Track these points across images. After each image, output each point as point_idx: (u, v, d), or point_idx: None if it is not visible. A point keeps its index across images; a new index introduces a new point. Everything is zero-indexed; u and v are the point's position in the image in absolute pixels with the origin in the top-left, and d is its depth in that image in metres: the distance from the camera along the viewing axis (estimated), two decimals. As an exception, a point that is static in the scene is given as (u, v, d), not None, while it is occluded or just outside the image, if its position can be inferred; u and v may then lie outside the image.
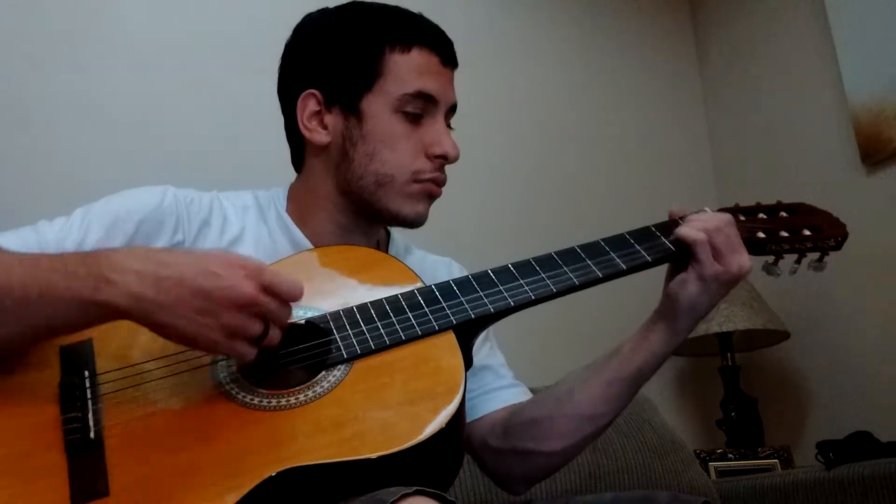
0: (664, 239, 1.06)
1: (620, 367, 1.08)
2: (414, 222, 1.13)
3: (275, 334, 0.87)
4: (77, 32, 2.01)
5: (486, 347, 1.21)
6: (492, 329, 1.11)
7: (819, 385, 2.45)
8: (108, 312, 0.84)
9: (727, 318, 2.32)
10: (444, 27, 1.16)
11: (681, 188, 2.75)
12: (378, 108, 1.10)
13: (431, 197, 1.13)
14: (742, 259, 1.03)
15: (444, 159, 1.12)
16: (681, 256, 1.05)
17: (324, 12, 1.17)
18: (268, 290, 0.84)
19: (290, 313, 0.89)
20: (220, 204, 1.14)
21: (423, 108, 1.11)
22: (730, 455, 2.29)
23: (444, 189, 1.15)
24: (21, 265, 0.87)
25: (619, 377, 1.08)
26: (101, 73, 2.01)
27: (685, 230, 1.04)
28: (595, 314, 2.13)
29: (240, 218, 1.14)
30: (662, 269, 1.08)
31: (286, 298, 0.86)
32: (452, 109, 1.15)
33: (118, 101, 2.00)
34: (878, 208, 2.27)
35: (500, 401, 1.18)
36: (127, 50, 2.05)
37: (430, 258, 1.27)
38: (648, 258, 1.05)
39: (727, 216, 1.06)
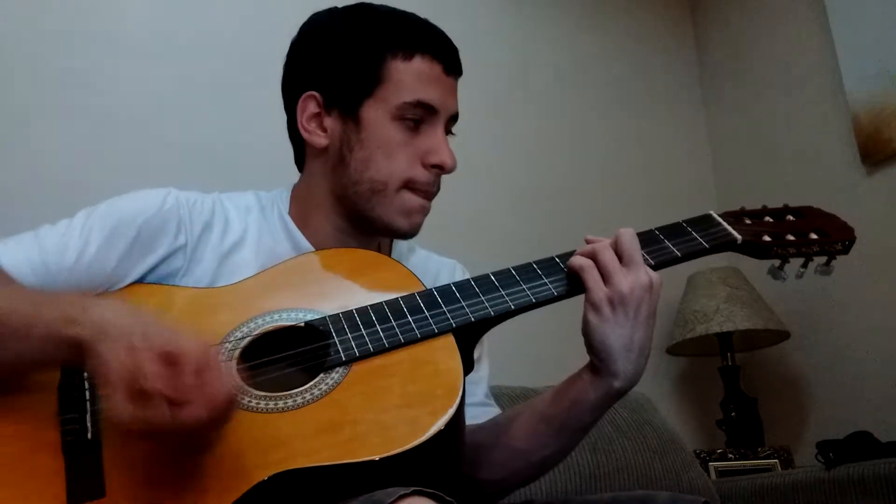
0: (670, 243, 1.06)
1: (551, 406, 1.04)
2: (406, 234, 1.13)
3: (168, 413, 0.75)
4: (76, 31, 2.01)
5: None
6: (486, 339, 1.09)
7: (819, 385, 2.45)
8: (75, 347, 0.81)
9: (727, 318, 2.32)
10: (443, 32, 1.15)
11: (681, 189, 2.75)
12: (377, 114, 1.09)
13: (424, 209, 1.12)
14: (633, 277, 0.96)
15: (440, 169, 1.11)
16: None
17: (330, 13, 1.16)
18: (204, 367, 0.77)
19: (206, 416, 0.77)
20: (223, 206, 1.14)
21: (422, 116, 1.10)
22: (730, 455, 2.29)
23: (442, 192, 1.15)
24: (7, 295, 0.88)
25: (549, 415, 1.04)
26: (101, 72, 2.00)
27: (571, 259, 1.01)
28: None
29: (242, 220, 1.14)
30: (670, 273, 1.07)
31: (211, 388, 0.77)
32: (454, 118, 1.14)
33: (119, 101, 2.00)
34: (878, 208, 2.27)
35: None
36: (127, 49, 2.05)
37: (434, 259, 1.27)
38: (652, 262, 1.03)
39: (623, 231, 1.00)
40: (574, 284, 1.01)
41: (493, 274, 1.03)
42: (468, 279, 1.03)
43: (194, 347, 0.77)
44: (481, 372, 1.20)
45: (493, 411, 1.18)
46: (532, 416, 1.05)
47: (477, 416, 1.14)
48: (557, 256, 1.05)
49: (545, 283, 1.02)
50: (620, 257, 0.99)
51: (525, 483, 1.10)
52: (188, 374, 0.76)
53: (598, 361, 0.99)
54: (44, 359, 0.86)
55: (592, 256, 0.99)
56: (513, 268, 1.04)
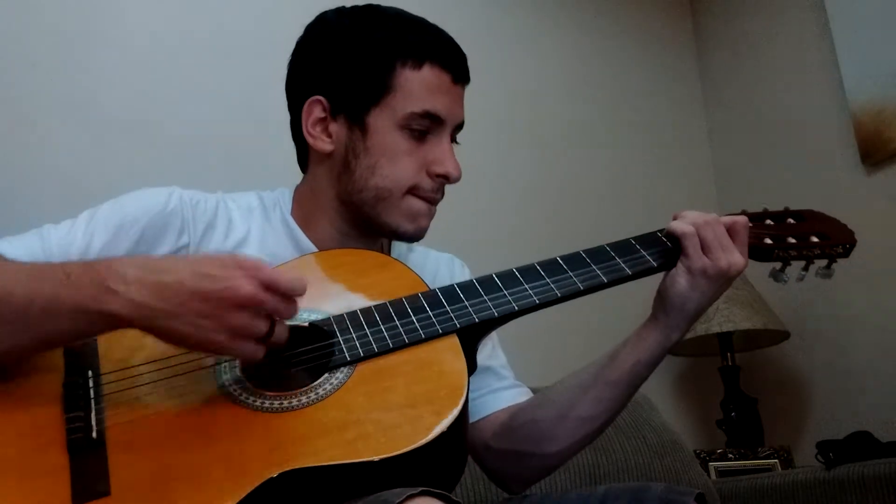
0: (669, 243, 1.06)
1: (615, 369, 1.08)
2: (413, 237, 1.13)
3: (281, 331, 0.86)
4: (76, 31, 2.01)
5: (487, 348, 1.21)
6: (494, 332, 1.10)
7: (819, 385, 2.45)
8: (112, 322, 0.84)
9: (727, 318, 2.32)
10: (441, 27, 1.15)
11: (681, 188, 2.75)
12: (383, 122, 1.09)
13: (430, 212, 1.13)
14: (732, 257, 1.03)
15: (445, 179, 1.11)
16: (677, 255, 1.05)
17: (338, 14, 1.15)
18: (268, 287, 0.83)
19: (295, 308, 0.87)
20: (226, 206, 1.14)
21: (428, 126, 1.10)
22: (730, 455, 2.30)
23: (445, 191, 1.15)
24: (24, 275, 0.87)
25: (614, 379, 1.08)
26: (101, 72, 2.00)
27: (674, 223, 1.06)
28: (598, 315, 2.14)
29: (245, 220, 1.14)
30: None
31: (288, 294, 0.85)
32: (459, 126, 1.15)
33: (118, 101, 2.00)
34: (878, 208, 2.27)
35: (501, 402, 1.18)
36: (127, 49, 2.05)
37: (432, 255, 1.27)
38: (654, 263, 1.05)
39: (740, 218, 1.07)
40: (577, 291, 1.02)
41: (497, 275, 1.03)
42: (472, 280, 1.03)
43: (250, 284, 0.82)
44: (502, 358, 1.25)
45: (526, 391, 1.22)
46: (593, 383, 1.10)
47: (514, 397, 1.19)
48: (560, 257, 1.05)
49: (548, 284, 1.02)
50: (732, 237, 1.04)
51: (584, 447, 1.16)
52: (267, 304, 0.83)
53: (665, 316, 1.06)
54: (74, 334, 0.87)
55: (697, 227, 1.03)
56: (516, 269, 1.04)
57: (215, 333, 0.83)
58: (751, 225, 1.10)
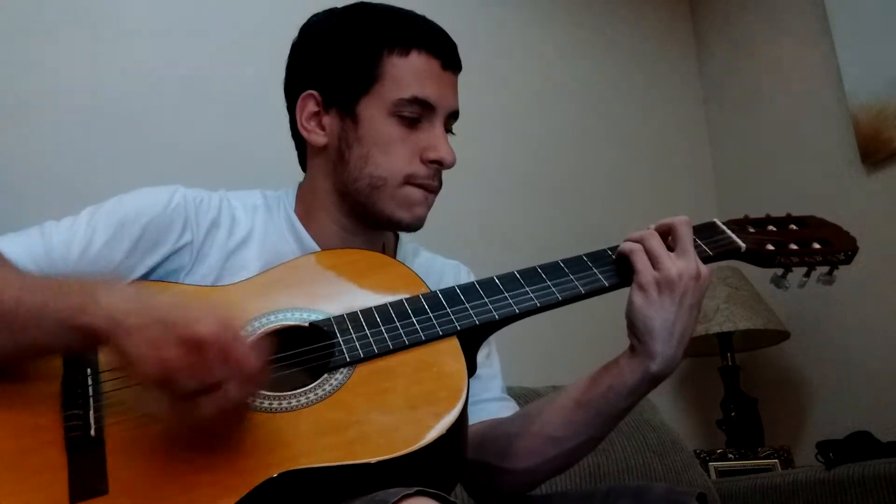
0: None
1: (587, 391, 1.04)
2: (410, 226, 1.12)
3: (207, 403, 0.77)
4: (77, 30, 2.01)
5: (482, 355, 1.18)
6: (493, 336, 1.10)
7: (819, 385, 2.45)
8: (90, 335, 0.82)
9: (727, 318, 2.32)
10: (430, 19, 1.15)
11: (681, 188, 2.75)
12: (374, 111, 1.09)
13: (427, 200, 1.12)
14: (682, 264, 0.98)
15: (439, 165, 1.11)
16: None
17: (329, 13, 1.17)
18: (228, 345, 0.77)
19: (249, 392, 0.79)
20: (229, 204, 1.14)
21: (420, 112, 1.09)
22: (730, 455, 2.30)
23: (446, 191, 1.15)
24: (17, 282, 0.87)
25: (585, 401, 1.04)
26: (101, 72, 2.00)
27: (623, 243, 1.03)
28: (598, 317, 2.13)
29: (249, 218, 1.14)
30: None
31: (240, 364, 0.77)
32: (454, 115, 1.14)
33: (119, 101, 2.00)
34: (878, 208, 2.27)
35: (483, 414, 1.14)
36: (128, 48, 2.05)
37: (438, 261, 1.26)
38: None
39: (678, 219, 1.02)
40: (579, 294, 1.02)
41: (498, 277, 1.03)
42: (473, 282, 1.03)
43: (212, 327, 0.76)
44: (494, 367, 1.21)
45: (512, 405, 1.19)
46: (567, 403, 1.05)
47: (497, 410, 1.15)
48: (562, 261, 1.05)
49: (549, 287, 1.02)
50: (673, 243, 1.01)
51: (556, 472, 1.10)
52: (215, 358, 0.76)
53: (638, 343, 1.00)
54: (57, 346, 0.87)
55: (641, 241, 1.01)
56: (517, 271, 1.04)
57: (147, 362, 0.76)
58: (752, 230, 1.08)
